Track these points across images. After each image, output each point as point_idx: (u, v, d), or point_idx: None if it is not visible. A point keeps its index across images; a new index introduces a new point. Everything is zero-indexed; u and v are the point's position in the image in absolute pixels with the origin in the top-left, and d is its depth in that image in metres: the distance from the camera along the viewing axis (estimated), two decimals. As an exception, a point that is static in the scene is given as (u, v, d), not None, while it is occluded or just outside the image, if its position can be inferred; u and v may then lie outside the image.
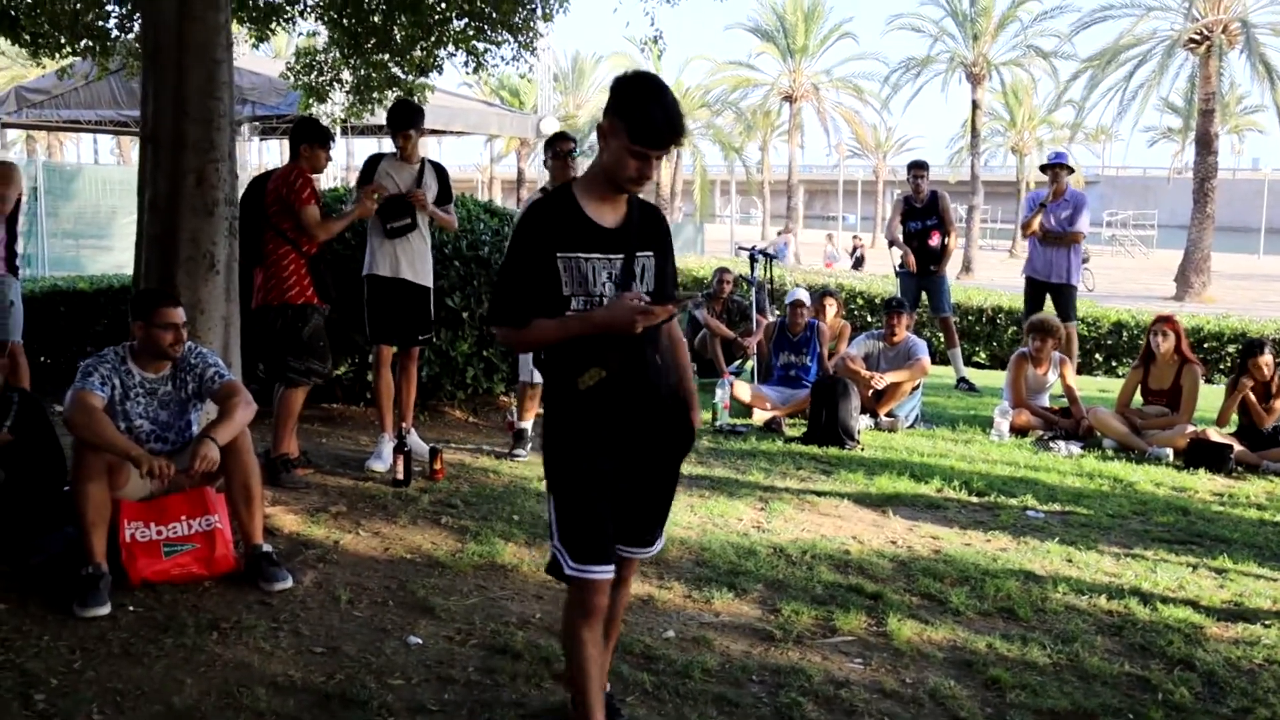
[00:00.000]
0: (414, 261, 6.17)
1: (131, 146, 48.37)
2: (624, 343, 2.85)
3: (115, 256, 15.53)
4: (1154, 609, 4.46)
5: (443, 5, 8.60)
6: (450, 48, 9.05)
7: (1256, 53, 29.17)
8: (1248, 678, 3.85)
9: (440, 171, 6.36)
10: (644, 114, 2.78)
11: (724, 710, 3.42)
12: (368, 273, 6.15)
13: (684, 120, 2.87)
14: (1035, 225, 9.44)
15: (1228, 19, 28.58)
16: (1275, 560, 5.23)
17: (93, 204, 17.25)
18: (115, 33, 8.32)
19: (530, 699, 3.42)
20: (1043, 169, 9.88)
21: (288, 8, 8.64)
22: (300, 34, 9.98)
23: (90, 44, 8.26)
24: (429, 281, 6.29)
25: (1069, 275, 9.51)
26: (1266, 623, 4.37)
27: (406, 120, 6.12)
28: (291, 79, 9.48)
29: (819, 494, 6.03)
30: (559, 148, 6.32)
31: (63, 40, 8.11)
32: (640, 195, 3.04)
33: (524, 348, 3.71)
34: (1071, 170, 9.61)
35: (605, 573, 2.91)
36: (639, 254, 2.96)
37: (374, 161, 6.24)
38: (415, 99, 9.41)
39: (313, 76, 9.38)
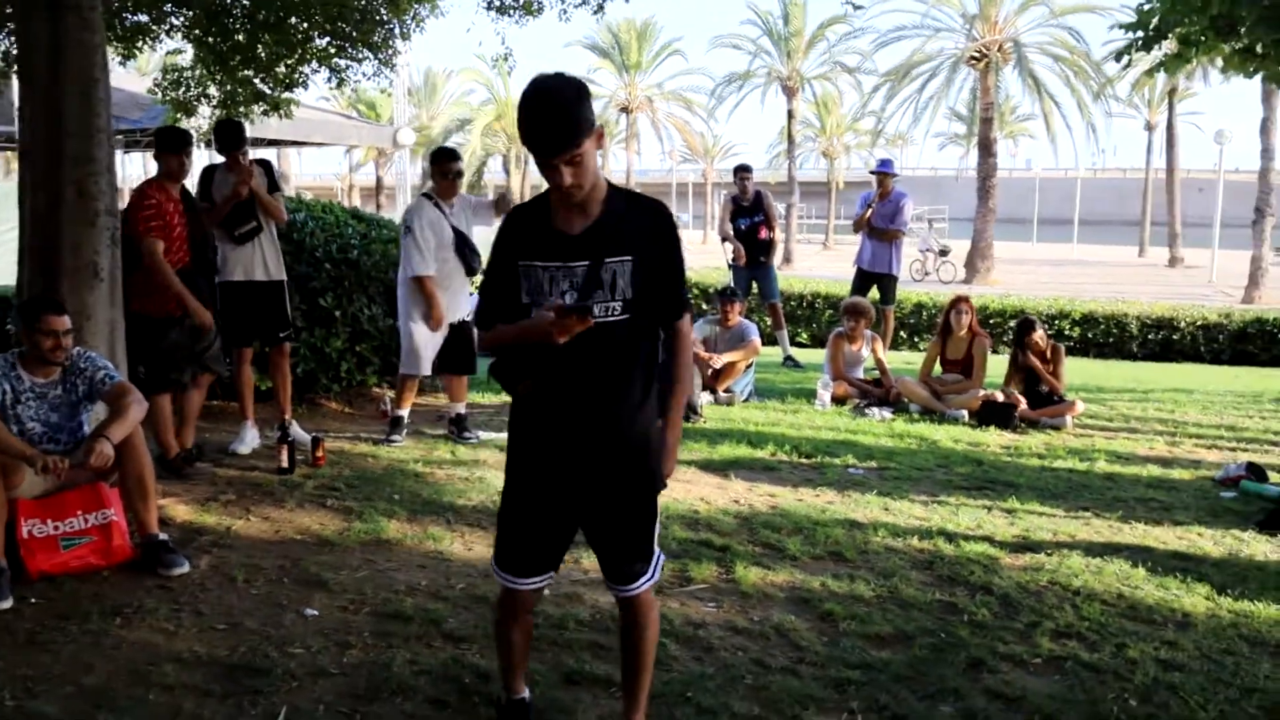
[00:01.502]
0: (265, 261, 6.03)
1: (-7, 160, 45.38)
2: (552, 356, 2.57)
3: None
4: (957, 545, 4.76)
5: (305, 25, 8.41)
6: (314, 64, 8.87)
7: (1027, 69, 30.86)
8: (1035, 597, 4.17)
9: (266, 166, 6.20)
10: (525, 127, 2.48)
11: (598, 655, 3.52)
12: (220, 279, 5.98)
13: (567, 126, 2.45)
14: (865, 221, 9.85)
15: (1002, 39, 30.13)
16: (1054, 500, 5.64)
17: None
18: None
19: (423, 656, 3.45)
20: (872, 173, 10.28)
21: (154, 27, 8.32)
22: (166, 51, 9.58)
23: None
24: (282, 276, 6.15)
25: (891, 266, 9.96)
26: (1049, 552, 4.73)
27: (239, 140, 5.91)
28: (159, 94, 9.12)
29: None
30: (446, 168, 6.30)
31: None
32: (609, 194, 2.64)
33: (488, 351, 3.15)
34: (896, 175, 10.03)
35: (516, 582, 2.78)
36: (609, 260, 2.58)
37: (209, 173, 6.06)
38: (281, 113, 9.20)
39: (179, 92, 9.05)
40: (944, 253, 31.21)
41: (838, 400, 8.26)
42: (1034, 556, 4.67)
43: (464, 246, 6.36)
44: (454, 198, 6.39)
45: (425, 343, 6.32)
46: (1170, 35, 8.04)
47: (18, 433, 4.09)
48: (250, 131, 9.72)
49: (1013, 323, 13.16)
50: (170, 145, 5.48)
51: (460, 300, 6.52)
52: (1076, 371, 10.60)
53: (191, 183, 5.99)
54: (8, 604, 3.74)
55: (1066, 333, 13.82)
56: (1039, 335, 7.97)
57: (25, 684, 3.20)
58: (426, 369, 6.42)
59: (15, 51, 6.16)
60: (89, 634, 3.56)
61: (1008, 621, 3.92)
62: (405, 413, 6.50)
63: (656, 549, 2.88)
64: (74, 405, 4.29)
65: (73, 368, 4.24)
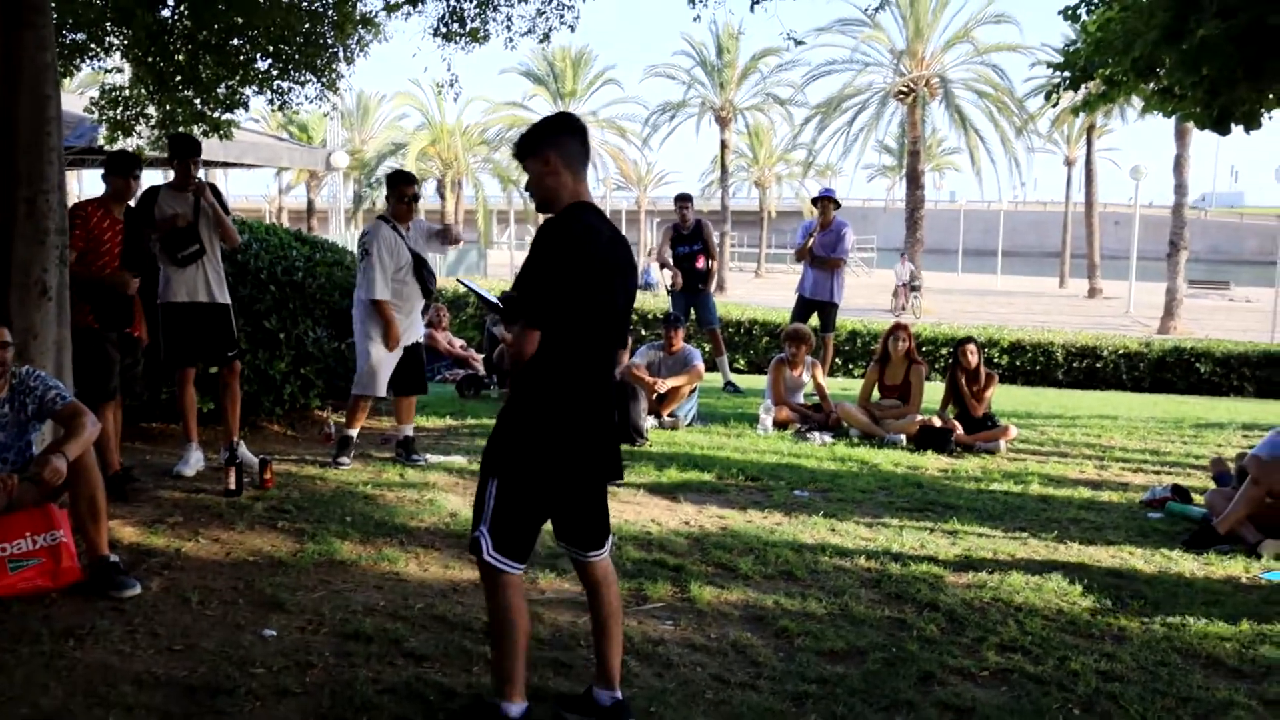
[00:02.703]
0: (209, 283, 5.98)
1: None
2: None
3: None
4: (903, 565, 4.91)
5: (248, 47, 8.38)
6: (255, 86, 8.82)
7: (953, 104, 31.76)
8: (980, 614, 4.32)
9: (214, 189, 6.17)
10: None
11: (560, 671, 3.57)
12: (163, 301, 5.92)
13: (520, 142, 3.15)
14: (806, 251, 10.03)
15: (929, 75, 30.98)
16: (993, 521, 5.83)
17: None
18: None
19: (385, 675, 3.47)
20: (814, 201, 10.47)
21: (93, 46, 8.21)
22: (104, 70, 9.45)
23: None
24: (226, 299, 6.10)
25: (832, 294, 10.15)
26: (990, 570, 4.89)
27: (196, 148, 5.97)
28: (96, 113, 8.98)
29: (617, 485, 6.25)
30: (404, 191, 6.34)
31: None
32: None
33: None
34: (838, 204, 10.23)
35: (520, 568, 3.11)
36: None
37: (151, 194, 5.99)
38: (220, 134, 9.11)
39: (118, 111, 8.92)
40: (915, 287, 29.86)
41: (780, 425, 8.41)
42: (977, 575, 4.83)
43: (421, 269, 6.39)
44: (410, 221, 6.43)
45: (381, 364, 6.33)
46: (1095, 76, 8.41)
47: (-36, 452, 4.02)
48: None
49: (945, 350, 13.58)
50: (119, 168, 5.49)
51: (415, 322, 6.54)
52: (1007, 398, 10.95)
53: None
54: (-46, 627, 3.67)
55: (995, 360, 14.21)
56: (972, 348, 8.24)
57: (-22, 707, 3.15)
58: (382, 390, 6.42)
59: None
60: (41, 655, 3.50)
61: (955, 636, 4.06)
62: (354, 433, 6.48)
63: None
64: (22, 425, 4.23)
65: (21, 386, 4.18)
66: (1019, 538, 5.52)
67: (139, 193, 5.80)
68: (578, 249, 3.00)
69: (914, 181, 30.49)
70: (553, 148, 3.08)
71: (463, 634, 3.83)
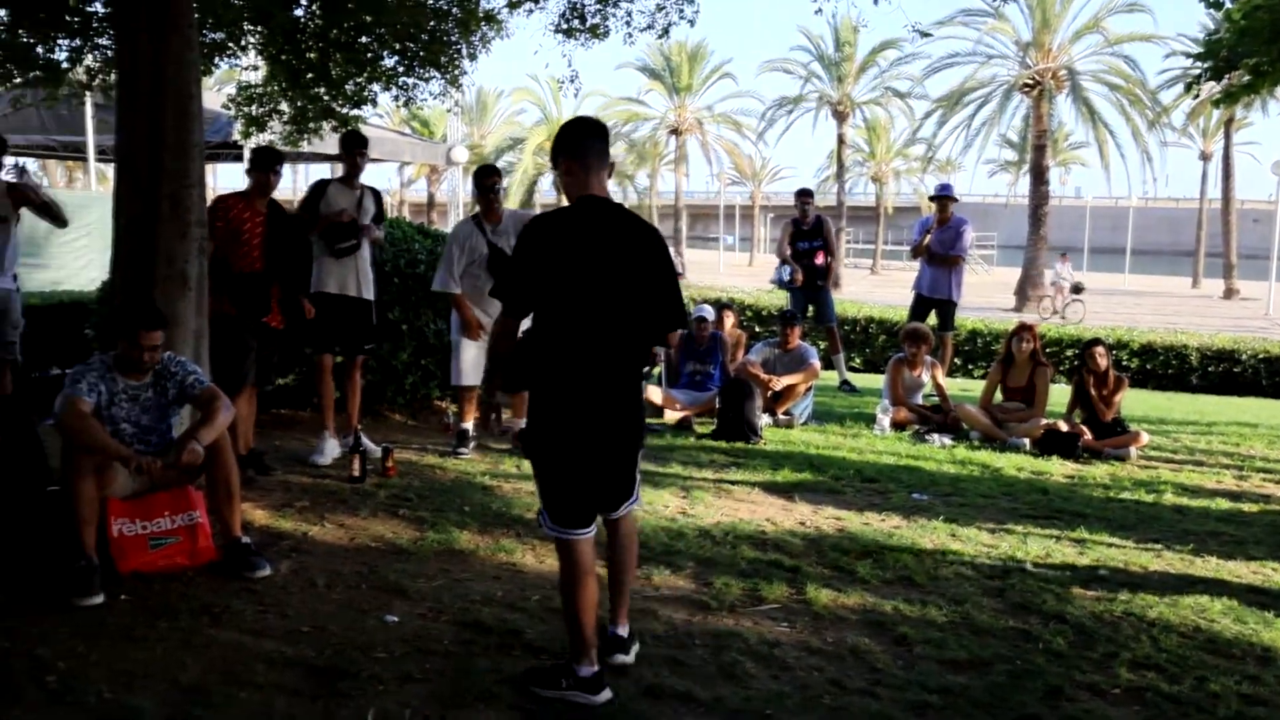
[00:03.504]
0: (358, 278, 6.23)
1: (57, 169, 46.44)
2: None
3: (50, 274, 14.92)
4: (1028, 574, 4.75)
5: (376, 45, 8.59)
6: (382, 83, 9.03)
7: (1081, 97, 30.65)
8: (1111, 628, 4.14)
9: (376, 195, 6.45)
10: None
11: (676, 669, 3.55)
12: (316, 290, 6.14)
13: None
14: (923, 248, 9.82)
15: (1056, 67, 29.99)
16: (1123, 531, 5.59)
17: (27, 224, 16.56)
18: (65, 65, 8.10)
19: (504, 665, 3.51)
20: (931, 198, 10.24)
21: (231, 45, 8.53)
22: (237, 67, 9.81)
23: (40, 75, 8.03)
24: (371, 295, 6.33)
25: (951, 292, 9.90)
26: (1121, 582, 4.69)
27: (362, 142, 6.39)
28: (233, 109, 9.33)
29: (732, 483, 6.22)
30: (483, 182, 6.47)
31: (13, 71, 7.87)
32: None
33: None
34: (956, 200, 9.99)
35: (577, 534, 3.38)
36: None
37: (321, 188, 6.29)
38: (350, 128, 9.38)
39: (252, 108, 9.25)
40: (1078, 289, 27.99)
41: (897, 426, 8.24)
42: (1107, 587, 4.63)
43: (498, 263, 6.44)
44: (497, 214, 6.49)
45: (466, 356, 6.46)
46: (1239, 66, 8.00)
47: (111, 433, 4.21)
48: (314, 147, 9.96)
49: (1070, 352, 13.12)
50: (261, 163, 5.72)
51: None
52: (1139, 403, 10.52)
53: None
54: (100, 599, 3.85)
55: (1125, 363, 13.67)
56: (1101, 350, 7.93)
57: (122, 678, 3.30)
58: (467, 380, 6.52)
59: (115, 69, 6.34)
60: (179, 631, 3.66)
61: (1084, 651, 3.90)
62: (470, 425, 6.60)
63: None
64: (163, 408, 4.41)
65: (163, 371, 4.36)
66: (1152, 549, 5.29)
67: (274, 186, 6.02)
68: (533, 240, 3.32)
69: (1038, 177, 29.56)
70: (564, 152, 3.38)
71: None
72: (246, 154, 6.48)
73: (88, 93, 8.41)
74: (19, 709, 3.08)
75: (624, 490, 3.50)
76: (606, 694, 3.29)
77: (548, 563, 4.58)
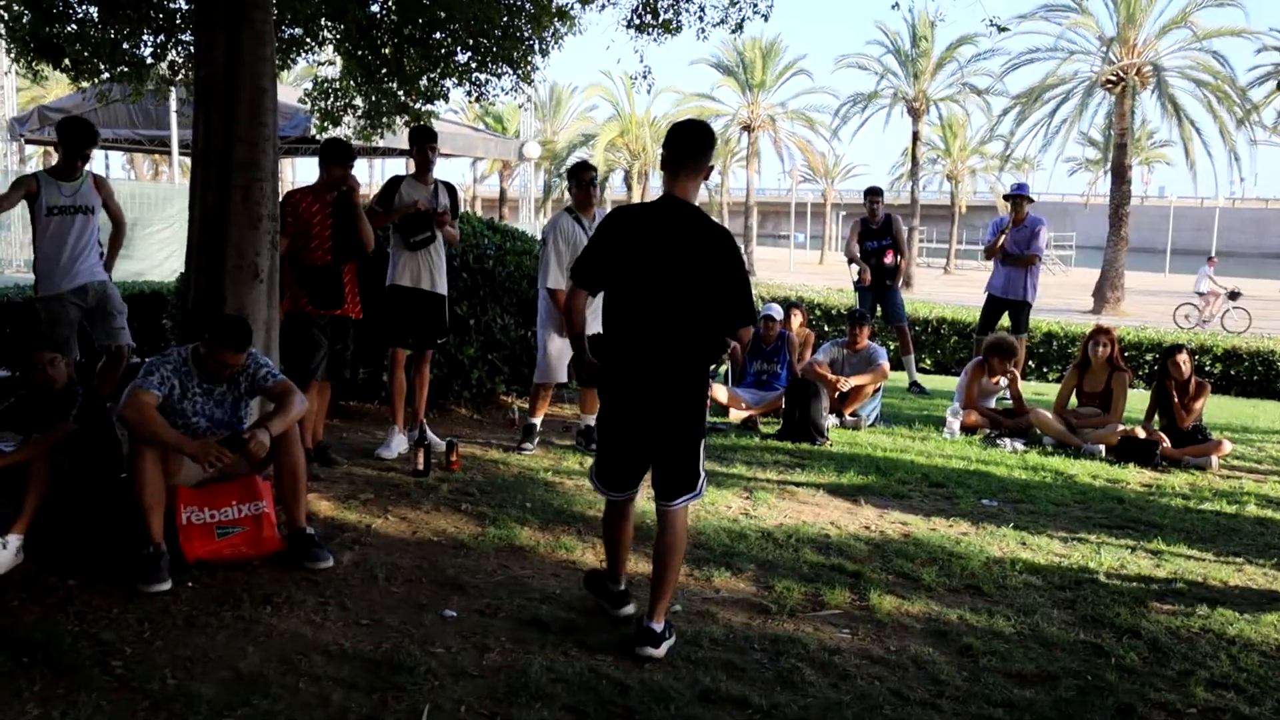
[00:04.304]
0: (432, 272, 6.25)
1: (143, 162, 47.75)
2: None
3: (134, 265, 15.36)
4: (1101, 585, 4.59)
5: (449, 41, 8.64)
6: (455, 79, 9.09)
7: (1166, 94, 29.71)
8: (1187, 644, 3.98)
9: (450, 190, 6.47)
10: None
11: (732, 674, 3.49)
12: (391, 283, 6.20)
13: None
14: (997, 248, 9.59)
15: (1141, 63, 29.12)
16: (1203, 543, 5.38)
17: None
18: (150, 60, 8.29)
19: (559, 664, 3.48)
20: (1006, 198, 9.99)
21: (308, 40, 8.65)
22: (314, 63, 9.97)
23: (126, 70, 8.22)
24: (444, 290, 6.35)
25: (1025, 294, 9.65)
26: (1199, 597, 4.51)
27: (432, 136, 6.40)
28: (309, 104, 9.47)
29: (797, 485, 6.12)
30: (582, 177, 6.46)
31: (101, 66, 8.07)
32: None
33: None
34: (1032, 200, 9.74)
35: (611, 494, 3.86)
36: None
37: (395, 182, 6.33)
38: (423, 123, 9.46)
39: (328, 102, 9.38)
40: (1235, 295, 25.52)
41: (968, 429, 8.06)
42: (1184, 601, 4.46)
43: None
44: (592, 210, 6.49)
45: (558, 352, 6.43)
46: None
47: (182, 425, 4.28)
48: (387, 141, 10.07)
49: (1148, 356, 12.73)
50: (334, 157, 5.73)
51: (595, 310, 6.56)
52: (1222, 410, 10.16)
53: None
54: (166, 586, 3.91)
55: (1208, 368, 13.22)
56: (1184, 358, 7.66)
57: (185, 664, 3.34)
58: (558, 377, 6.52)
59: (193, 63, 6.47)
60: (241, 620, 3.69)
61: (1158, 668, 3.75)
62: (538, 421, 6.60)
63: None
64: (235, 401, 4.47)
65: (239, 367, 4.41)
66: (1233, 563, 5.08)
67: (387, 179, 6.10)
68: (610, 226, 3.71)
69: (1119, 176, 28.77)
70: (668, 148, 3.71)
71: (634, 628, 3.79)
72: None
73: (170, 88, 8.60)
74: (85, 693, 3.13)
75: (681, 480, 3.70)
76: (628, 609, 3.89)
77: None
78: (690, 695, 3.32)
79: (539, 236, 7.47)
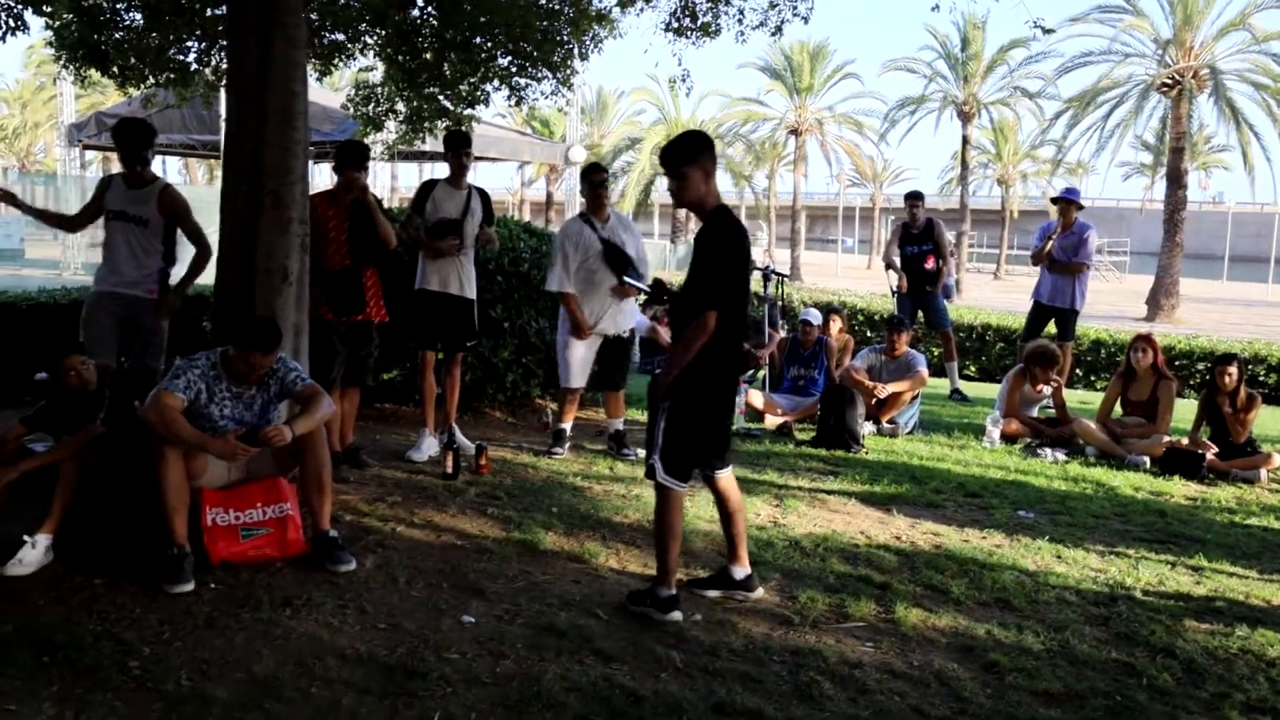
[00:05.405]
0: (460, 277, 6.25)
1: (198, 168, 48.61)
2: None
3: (180, 268, 15.57)
4: (1137, 602, 4.46)
5: (489, 45, 8.66)
6: (495, 83, 9.11)
7: (1224, 97, 29.10)
8: (1224, 665, 3.84)
9: (484, 196, 6.47)
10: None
11: (749, 686, 3.43)
12: (419, 287, 6.21)
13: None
14: (1044, 254, 9.39)
15: (1197, 65, 28.55)
16: (1247, 560, 5.21)
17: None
18: (194, 65, 8.40)
19: (573, 672, 3.44)
20: (1054, 201, 9.76)
21: (350, 45, 8.71)
22: (359, 68, 10.04)
23: (171, 75, 8.33)
24: (473, 294, 6.35)
25: (1072, 301, 9.43)
26: (1240, 616, 4.36)
27: (466, 140, 6.43)
28: (351, 109, 9.55)
29: (828, 493, 6.04)
30: (593, 178, 6.43)
31: (147, 72, 8.19)
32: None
33: None
34: (1081, 205, 9.52)
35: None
36: None
37: (428, 187, 6.35)
38: (463, 128, 9.49)
39: (370, 107, 9.44)
40: None
41: (1008, 438, 7.90)
42: (1223, 620, 4.31)
43: (615, 257, 6.37)
44: (605, 211, 6.46)
45: (575, 356, 6.42)
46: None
47: (209, 429, 4.30)
48: (431, 145, 10.11)
49: (1200, 365, 12.42)
50: (350, 160, 5.70)
51: (618, 312, 6.54)
52: (1273, 421, 9.86)
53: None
54: (189, 587, 3.94)
55: (1262, 379, 12.87)
56: (1232, 370, 7.41)
57: (201, 666, 3.35)
58: (576, 382, 6.50)
59: (225, 68, 6.53)
60: (260, 622, 3.70)
61: (1192, 689, 3.63)
62: (567, 426, 6.58)
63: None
64: (264, 405, 4.48)
65: (267, 370, 4.43)
66: (1277, 581, 4.91)
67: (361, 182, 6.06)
68: (738, 242, 3.89)
69: (1175, 181, 28.20)
70: (707, 158, 3.89)
71: (655, 637, 3.75)
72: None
73: (215, 93, 8.71)
74: (101, 693, 3.15)
75: (728, 445, 4.23)
76: (676, 615, 3.92)
77: (629, 568, 4.52)
78: (704, 707, 3.26)
79: None
